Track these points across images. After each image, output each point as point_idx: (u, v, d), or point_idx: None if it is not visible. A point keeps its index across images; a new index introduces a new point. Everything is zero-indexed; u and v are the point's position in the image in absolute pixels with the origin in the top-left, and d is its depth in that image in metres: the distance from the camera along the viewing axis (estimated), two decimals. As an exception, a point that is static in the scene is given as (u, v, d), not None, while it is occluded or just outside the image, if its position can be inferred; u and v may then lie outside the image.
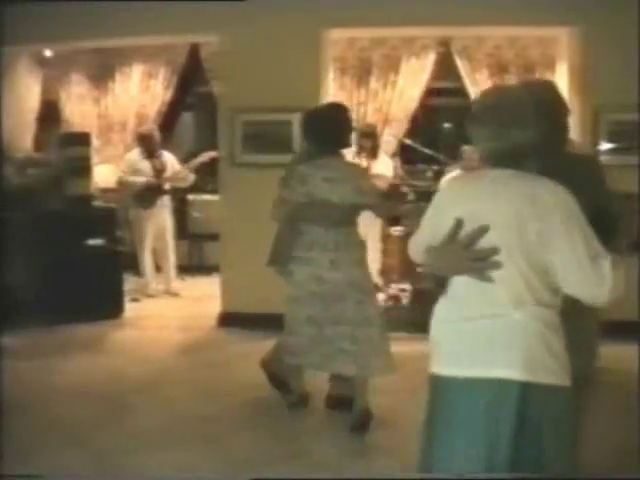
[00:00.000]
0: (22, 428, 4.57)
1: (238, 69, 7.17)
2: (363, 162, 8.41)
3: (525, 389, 2.41)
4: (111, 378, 5.83)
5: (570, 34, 7.30)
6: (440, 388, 2.62)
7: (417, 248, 2.81)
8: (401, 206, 6.23)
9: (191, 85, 10.44)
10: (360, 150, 8.47)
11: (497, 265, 2.38)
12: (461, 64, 8.55)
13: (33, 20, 7.21)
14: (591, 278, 2.36)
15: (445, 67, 8.92)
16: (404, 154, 9.59)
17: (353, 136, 5.29)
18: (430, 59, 8.77)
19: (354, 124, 5.23)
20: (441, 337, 2.63)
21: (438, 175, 9.03)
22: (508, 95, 2.66)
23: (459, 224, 2.42)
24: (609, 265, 2.35)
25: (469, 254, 2.41)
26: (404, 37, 8.61)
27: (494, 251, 2.38)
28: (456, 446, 2.53)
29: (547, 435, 2.46)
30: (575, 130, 6.95)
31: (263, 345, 5.90)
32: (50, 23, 7.36)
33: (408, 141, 9.06)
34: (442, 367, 2.60)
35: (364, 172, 5.12)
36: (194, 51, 9.23)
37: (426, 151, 8.98)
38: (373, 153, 8.44)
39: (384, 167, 8.50)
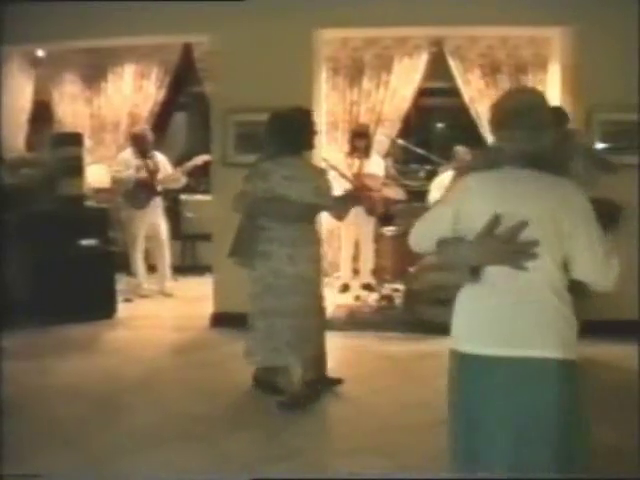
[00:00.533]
0: (16, 428, 4.56)
1: (231, 69, 7.17)
2: (356, 162, 8.43)
3: (561, 365, 2.74)
4: (105, 378, 5.83)
5: (562, 34, 7.32)
6: (475, 367, 2.86)
7: (426, 239, 2.99)
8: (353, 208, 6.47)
9: (184, 85, 10.44)
10: (353, 150, 8.49)
11: (535, 256, 2.68)
12: (454, 64, 8.56)
13: (25, 20, 7.20)
14: (603, 269, 2.77)
15: (438, 67, 8.94)
16: (398, 154, 9.62)
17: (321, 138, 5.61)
18: (423, 59, 8.78)
19: (316, 128, 5.46)
20: (477, 320, 2.87)
21: (431, 175, 9.06)
22: (538, 99, 2.92)
23: (498, 219, 2.68)
24: (617, 261, 2.78)
25: (510, 247, 2.69)
26: (397, 37, 8.62)
27: (534, 244, 2.67)
28: (496, 423, 2.79)
29: (577, 409, 2.78)
30: (567, 130, 6.99)
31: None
32: (42, 23, 7.35)
33: (401, 141, 9.07)
34: (479, 347, 2.83)
35: (323, 174, 5.34)
36: (187, 51, 9.22)
37: (419, 151, 8.99)
38: (366, 153, 8.45)
39: (376, 167, 8.52)
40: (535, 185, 2.78)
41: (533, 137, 2.80)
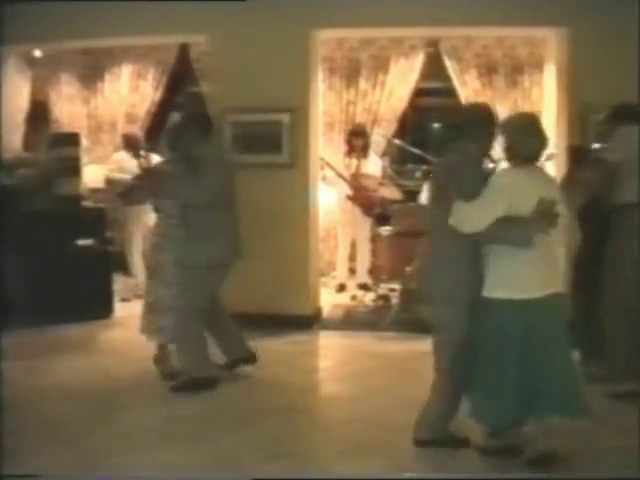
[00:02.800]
0: (12, 428, 4.56)
1: (227, 69, 7.18)
2: (353, 162, 8.45)
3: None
4: (102, 378, 5.83)
5: (558, 34, 7.34)
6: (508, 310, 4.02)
7: (481, 222, 3.97)
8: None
9: (180, 85, 10.43)
10: (350, 149, 8.50)
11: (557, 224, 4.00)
12: (450, 64, 8.58)
13: (22, 20, 7.21)
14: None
15: (434, 67, 8.96)
16: (395, 154, 9.63)
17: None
18: (419, 59, 8.80)
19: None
20: (513, 272, 4.02)
21: (427, 175, 9.05)
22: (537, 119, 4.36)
23: (542, 202, 3.94)
24: None
25: (548, 219, 3.97)
26: (393, 37, 8.64)
27: (561, 215, 4.01)
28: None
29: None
30: (563, 130, 7.01)
31: (252, 345, 5.93)
32: (39, 23, 7.37)
33: (397, 141, 9.09)
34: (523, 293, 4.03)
35: None
36: (184, 51, 9.23)
37: (415, 151, 8.99)
38: (364, 152, 8.48)
39: (374, 167, 8.54)
40: (547, 177, 4.36)
41: (544, 142, 4.20)
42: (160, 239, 5.71)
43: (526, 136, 4.10)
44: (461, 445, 4.37)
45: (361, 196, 8.32)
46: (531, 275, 4.01)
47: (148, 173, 5.94)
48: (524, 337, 3.98)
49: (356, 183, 8.30)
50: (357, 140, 8.44)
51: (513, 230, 3.98)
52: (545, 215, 3.94)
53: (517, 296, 3.99)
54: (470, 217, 4.01)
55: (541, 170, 4.35)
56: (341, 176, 8.28)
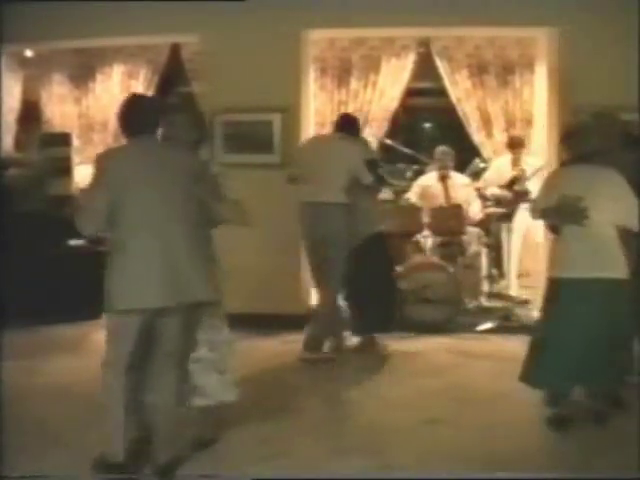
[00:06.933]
0: (4, 429, 4.56)
1: (219, 69, 7.20)
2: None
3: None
4: (93, 378, 5.79)
5: (549, 35, 7.37)
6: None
7: (537, 210, 5.02)
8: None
9: (172, 85, 10.41)
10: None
11: (587, 216, 4.62)
12: (441, 64, 8.58)
13: (14, 20, 7.20)
14: None
15: (425, 67, 8.95)
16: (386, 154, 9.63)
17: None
18: (410, 59, 8.78)
19: None
20: (569, 256, 4.73)
21: (418, 175, 9.07)
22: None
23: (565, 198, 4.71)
24: None
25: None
26: (384, 37, 8.63)
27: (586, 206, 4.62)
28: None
29: None
30: (555, 131, 7.04)
31: (247, 344, 5.94)
32: (31, 23, 7.37)
33: (388, 141, 9.10)
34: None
35: None
36: (175, 51, 9.20)
37: (406, 151, 9.01)
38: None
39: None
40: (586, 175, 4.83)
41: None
42: None
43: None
44: None
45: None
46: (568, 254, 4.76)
47: None
48: (576, 315, 4.67)
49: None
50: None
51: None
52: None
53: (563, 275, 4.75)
54: (534, 206, 5.23)
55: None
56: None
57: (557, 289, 4.81)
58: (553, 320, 4.83)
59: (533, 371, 4.82)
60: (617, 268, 4.65)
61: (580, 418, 4.77)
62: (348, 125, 6.70)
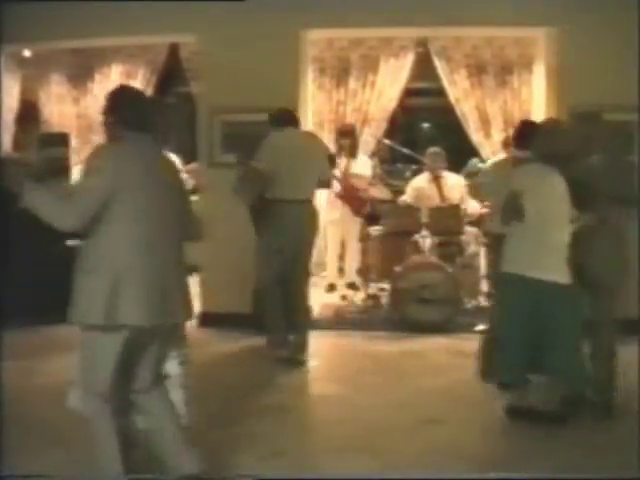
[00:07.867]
0: (4, 429, 4.56)
1: (217, 69, 7.19)
2: (343, 161, 8.46)
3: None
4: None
5: (547, 34, 7.37)
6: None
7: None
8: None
9: (170, 85, 10.43)
10: (339, 149, 8.51)
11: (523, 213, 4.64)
12: (439, 64, 8.59)
13: (12, 20, 7.19)
14: None
15: (423, 67, 8.97)
16: (384, 154, 9.65)
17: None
18: (409, 59, 8.79)
19: None
20: (516, 256, 4.74)
21: (416, 174, 9.09)
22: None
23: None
24: None
25: None
26: (383, 38, 8.64)
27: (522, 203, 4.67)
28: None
29: None
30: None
31: (244, 345, 5.95)
32: (29, 23, 7.35)
33: (387, 141, 9.11)
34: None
35: None
36: (174, 51, 9.21)
37: (404, 151, 9.02)
38: (352, 152, 8.48)
39: (364, 167, 8.54)
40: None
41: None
42: None
43: None
44: None
45: (351, 196, 8.33)
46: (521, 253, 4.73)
47: None
48: (527, 312, 4.71)
49: (346, 183, 8.31)
50: (345, 140, 8.44)
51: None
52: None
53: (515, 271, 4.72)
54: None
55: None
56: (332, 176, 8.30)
57: (500, 282, 5.05)
58: (496, 313, 5.17)
59: (486, 367, 5.05)
60: (553, 271, 4.63)
61: (536, 415, 4.85)
62: (295, 120, 6.60)
